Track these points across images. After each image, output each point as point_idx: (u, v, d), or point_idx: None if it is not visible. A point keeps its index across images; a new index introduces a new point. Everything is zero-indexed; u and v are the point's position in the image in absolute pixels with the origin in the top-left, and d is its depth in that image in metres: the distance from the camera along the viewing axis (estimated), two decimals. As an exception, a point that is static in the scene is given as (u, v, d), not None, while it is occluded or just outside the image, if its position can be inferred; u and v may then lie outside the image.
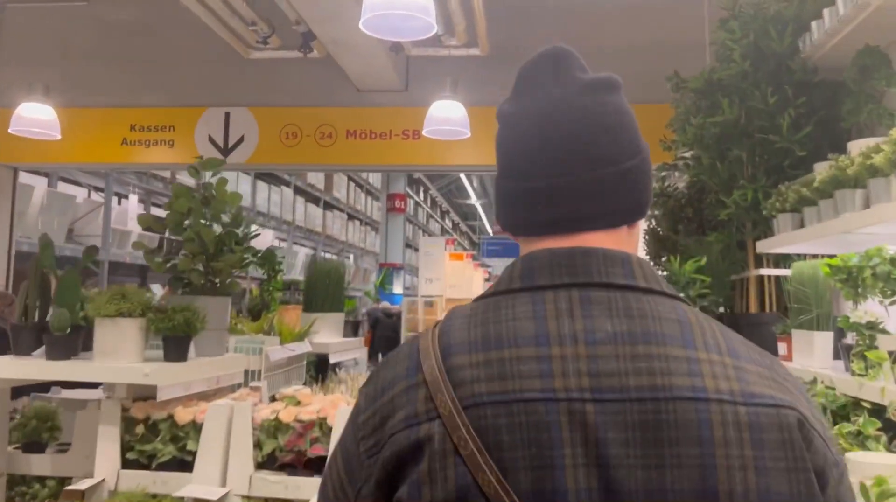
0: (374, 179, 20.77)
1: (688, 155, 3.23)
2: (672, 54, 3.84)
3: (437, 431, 0.63)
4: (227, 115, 5.88)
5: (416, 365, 0.68)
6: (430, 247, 13.06)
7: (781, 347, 2.53)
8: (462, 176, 23.36)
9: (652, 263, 1.49)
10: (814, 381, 2.14)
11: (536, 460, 0.60)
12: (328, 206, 17.01)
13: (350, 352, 4.15)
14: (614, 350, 0.65)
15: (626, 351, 0.64)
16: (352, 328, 4.50)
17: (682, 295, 1.01)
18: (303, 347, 3.53)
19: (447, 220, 30.90)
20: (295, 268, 15.53)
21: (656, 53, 4.30)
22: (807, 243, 2.37)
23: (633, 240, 0.78)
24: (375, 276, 22.43)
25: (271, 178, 13.76)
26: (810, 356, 2.30)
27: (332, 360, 3.85)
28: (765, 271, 2.95)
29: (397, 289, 20.08)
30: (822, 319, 2.29)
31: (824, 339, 2.27)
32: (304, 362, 3.82)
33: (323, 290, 3.75)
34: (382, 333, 16.46)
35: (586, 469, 0.60)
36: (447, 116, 4.78)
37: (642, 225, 0.95)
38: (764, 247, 2.64)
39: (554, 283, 0.70)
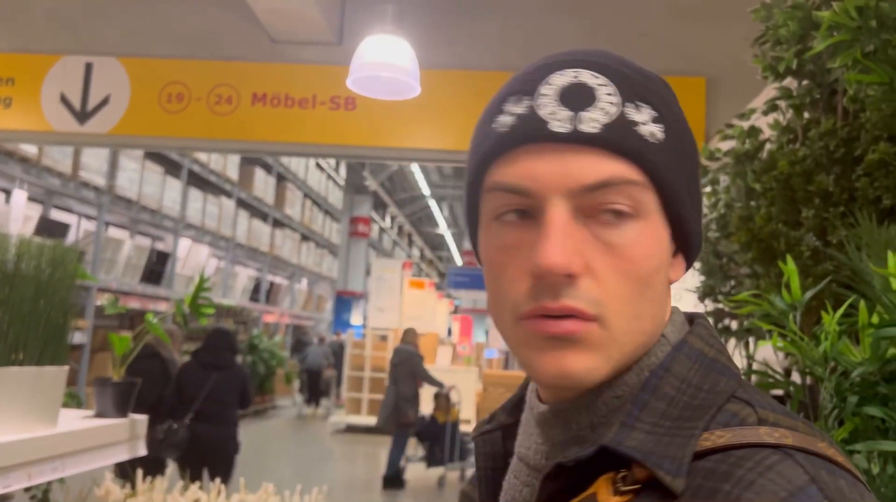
0: (335, 199, 19.09)
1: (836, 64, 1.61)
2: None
3: None
4: (89, 66, 4.21)
5: None
6: (383, 270, 11.40)
7: None
8: (432, 202, 21.80)
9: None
10: None
11: None
12: (278, 224, 15.27)
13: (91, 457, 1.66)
14: None
15: None
16: (118, 394, 1.89)
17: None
18: None
19: (414, 248, 29.26)
20: (234, 291, 13.74)
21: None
22: None
23: None
24: (332, 304, 20.67)
25: (208, 186, 12.05)
26: None
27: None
28: None
29: (356, 320, 18.33)
30: None
31: None
32: None
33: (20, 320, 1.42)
34: (308, 365, 14.48)
35: None
36: (386, 60, 3.14)
37: None
38: None
39: None
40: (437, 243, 29.98)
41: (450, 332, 15.80)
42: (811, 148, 1.68)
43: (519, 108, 0.52)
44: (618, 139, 0.50)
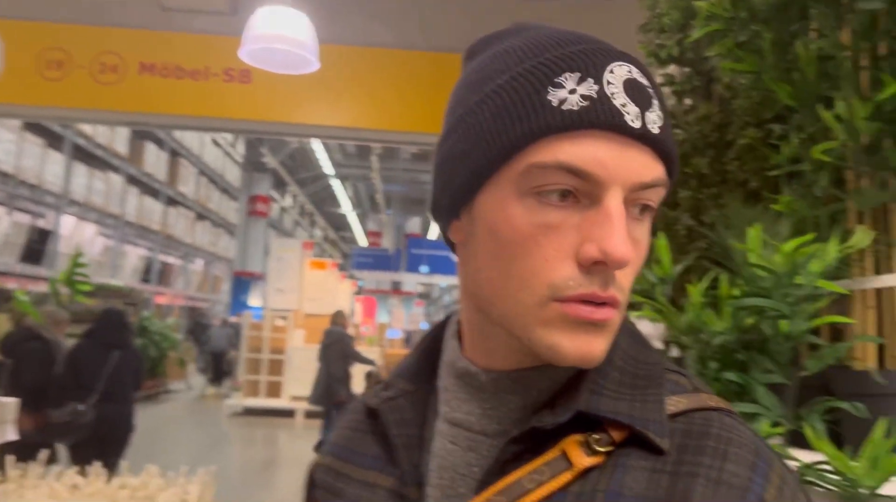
0: (233, 176, 18.49)
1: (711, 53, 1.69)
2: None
3: None
4: (-45, 26, 3.87)
5: None
6: (283, 251, 11.19)
7: None
8: (336, 182, 21.49)
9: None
10: None
11: None
12: (171, 202, 14.65)
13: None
14: None
15: None
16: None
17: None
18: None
19: (316, 229, 28.81)
20: (123, 272, 13.10)
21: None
22: None
23: (458, 276, 0.61)
24: (229, 285, 20.07)
25: (94, 161, 11.39)
26: None
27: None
28: None
29: (255, 301, 17.89)
30: None
31: None
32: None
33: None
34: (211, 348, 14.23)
35: None
36: (281, 32, 3.06)
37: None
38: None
39: None
40: (340, 223, 29.65)
41: (353, 313, 15.70)
42: (689, 132, 1.77)
43: (584, 90, 0.51)
44: (669, 144, 0.53)
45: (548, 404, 0.55)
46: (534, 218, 0.51)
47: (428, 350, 0.65)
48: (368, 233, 26.31)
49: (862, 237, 1.07)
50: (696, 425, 0.52)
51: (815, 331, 1.32)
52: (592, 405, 0.52)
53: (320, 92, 4.02)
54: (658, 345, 1.18)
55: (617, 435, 0.52)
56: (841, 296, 1.40)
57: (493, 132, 0.52)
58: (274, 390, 10.99)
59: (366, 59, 4.05)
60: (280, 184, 21.82)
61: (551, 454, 0.52)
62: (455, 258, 0.62)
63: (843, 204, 1.39)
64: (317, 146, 17.35)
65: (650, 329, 1.45)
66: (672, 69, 2.12)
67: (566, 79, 0.51)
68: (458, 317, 0.64)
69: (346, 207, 24.71)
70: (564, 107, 0.50)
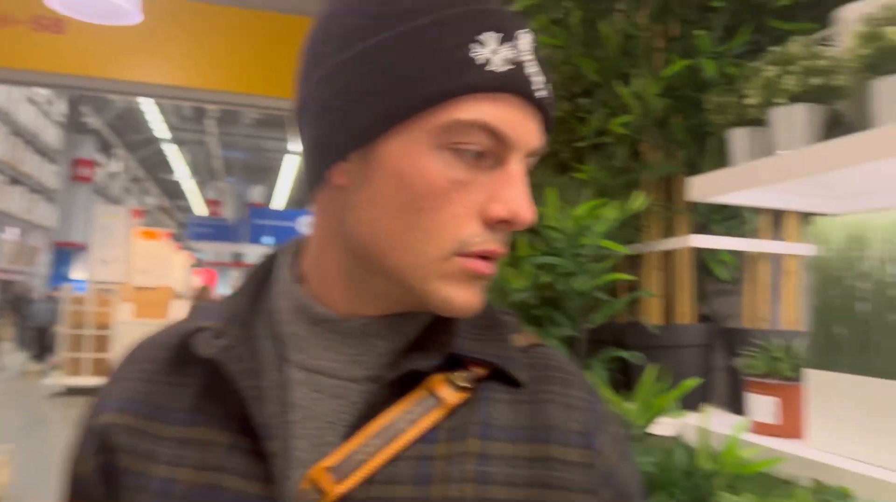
0: (51, 137, 16.90)
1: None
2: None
3: None
4: None
5: None
6: (108, 218, 10.43)
7: (763, 408, 1.19)
8: (170, 147, 20.23)
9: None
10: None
11: None
12: (-24, 163, 13.19)
13: None
14: None
15: None
16: None
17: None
18: None
19: (149, 196, 27.09)
20: (-82, 241, 11.62)
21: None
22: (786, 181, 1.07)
23: (322, 220, 0.59)
24: (49, 257, 18.42)
25: None
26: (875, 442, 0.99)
27: None
28: (703, 240, 1.50)
29: (78, 273, 16.57)
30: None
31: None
32: None
33: None
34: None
35: None
36: (98, -22, 2.82)
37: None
38: (707, 190, 1.30)
39: None
40: (176, 191, 28.03)
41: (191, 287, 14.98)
42: (509, 103, 1.85)
43: (506, 53, 0.52)
44: (553, 114, 0.56)
45: (415, 348, 0.57)
46: (449, 173, 0.52)
47: (254, 294, 0.62)
48: (207, 202, 25.11)
49: (639, 202, 1.18)
50: (538, 358, 0.60)
51: (611, 290, 1.43)
52: (460, 347, 0.56)
53: (147, 47, 3.76)
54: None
55: (479, 372, 0.56)
56: (638, 257, 1.54)
57: (415, 78, 0.51)
58: (100, 368, 10.28)
59: (200, 16, 3.84)
60: (107, 148, 20.23)
61: (419, 394, 0.55)
62: (314, 208, 0.59)
63: (637, 174, 1.51)
64: (149, 107, 16.22)
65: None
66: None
67: (488, 38, 0.52)
68: (289, 259, 0.62)
69: (183, 174, 23.40)
70: (489, 67, 0.51)
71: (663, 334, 1.39)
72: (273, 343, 0.59)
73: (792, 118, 1.12)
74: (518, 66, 0.52)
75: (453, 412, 0.55)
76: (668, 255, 1.51)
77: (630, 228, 1.50)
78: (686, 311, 1.45)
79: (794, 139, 1.13)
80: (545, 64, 0.56)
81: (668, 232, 1.50)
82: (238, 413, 0.55)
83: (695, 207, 1.47)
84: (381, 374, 0.56)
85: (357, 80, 0.52)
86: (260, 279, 0.63)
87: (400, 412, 0.54)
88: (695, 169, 1.45)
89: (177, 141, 20.01)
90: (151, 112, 16.71)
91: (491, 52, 0.52)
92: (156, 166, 24.39)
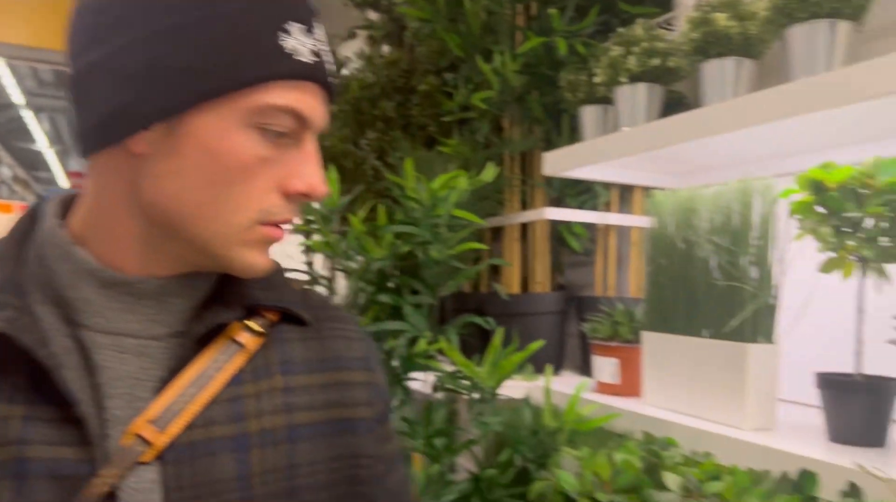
0: None
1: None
2: None
3: None
4: None
5: None
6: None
7: (606, 369, 1.27)
8: (27, 113, 18.61)
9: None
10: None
11: None
12: None
13: None
14: None
15: None
16: None
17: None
18: None
19: (2, 167, 24.97)
20: None
21: None
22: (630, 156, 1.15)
23: (107, 183, 0.60)
24: None
25: None
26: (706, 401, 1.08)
27: None
28: (557, 213, 1.55)
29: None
30: (758, 314, 1.04)
31: (764, 358, 1.03)
32: None
33: None
34: None
35: None
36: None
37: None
38: (559, 164, 1.35)
39: None
40: (34, 161, 25.98)
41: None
42: (379, 76, 1.84)
43: (310, 44, 0.58)
44: (334, 98, 0.63)
45: (214, 302, 0.62)
46: (256, 150, 0.56)
47: (18, 258, 0.60)
48: (70, 174, 23.47)
49: (489, 174, 1.22)
50: (312, 300, 0.69)
51: (475, 261, 1.48)
52: (254, 297, 0.63)
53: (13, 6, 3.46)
54: (326, 272, 1.25)
55: (271, 317, 0.63)
56: (502, 229, 1.59)
57: (229, 60, 0.54)
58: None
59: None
60: (-47, 112, 18.41)
61: (222, 343, 0.60)
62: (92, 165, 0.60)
63: (499, 148, 1.56)
64: (2, 71, 14.87)
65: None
66: (371, 14, 2.19)
67: (294, 28, 0.57)
68: (54, 220, 0.61)
69: (42, 143, 21.71)
70: (297, 57, 0.57)
71: (521, 302, 1.45)
72: (56, 309, 0.58)
73: (634, 97, 1.19)
74: (319, 57, 0.59)
75: (254, 355, 0.61)
76: (526, 228, 1.57)
77: (492, 201, 1.55)
78: (542, 281, 1.52)
79: (636, 117, 1.20)
80: (333, 52, 0.64)
81: (528, 205, 1.56)
82: (29, 384, 0.54)
83: (551, 182, 1.54)
84: (181, 330, 0.61)
85: (170, 54, 0.54)
86: (20, 241, 0.62)
87: (207, 361, 0.59)
88: (552, 145, 1.52)
89: (34, 107, 18.49)
90: (5, 75, 15.34)
91: (297, 42, 0.57)
92: (11, 134, 22.48)
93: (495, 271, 1.69)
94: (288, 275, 0.70)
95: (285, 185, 0.58)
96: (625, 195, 1.53)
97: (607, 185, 1.52)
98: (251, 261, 0.59)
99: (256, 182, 0.57)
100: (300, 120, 0.58)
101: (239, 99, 0.55)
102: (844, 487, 0.77)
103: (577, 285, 1.66)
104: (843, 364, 0.95)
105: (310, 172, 0.59)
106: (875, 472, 0.73)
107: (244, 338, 0.61)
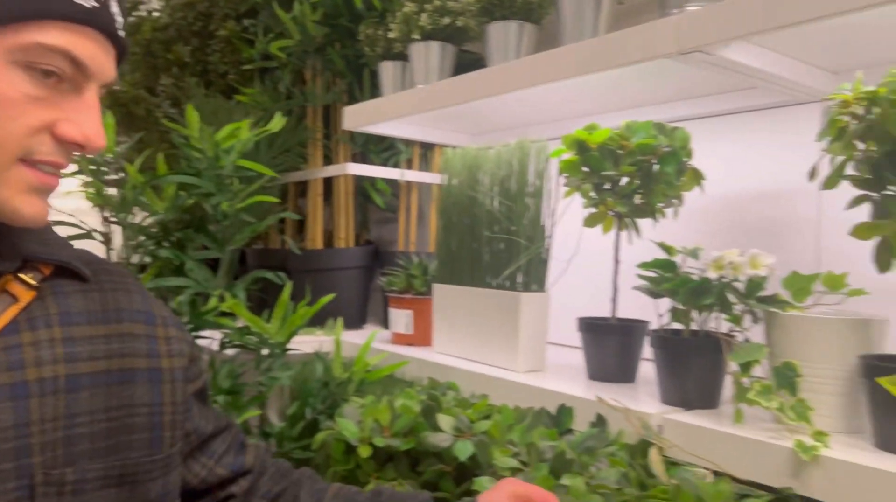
0: None
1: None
2: None
3: None
4: None
5: None
6: None
7: (401, 320, 1.30)
8: None
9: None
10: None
11: None
12: None
13: None
14: None
15: None
16: None
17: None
18: None
19: None
20: None
21: None
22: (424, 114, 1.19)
23: None
24: None
25: None
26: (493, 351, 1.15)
27: None
28: (359, 168, 1.53)
29: None
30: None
31: (535, 306, 1.10)
32: None
33: None
34: None
35: None
36: None
37: None
38: (358, 119, 1.34)
39: None
40: None
41: None
42: (173, 18, 1.72)
43: None
44: (126, 54, 0.62)
45: None
46: (23, 88, 0.54)
47: None
48: None
49: (276, 123, 1.20)
50: (89, 257, 0.69)
51: (269, 215, 1.45)
52: (34, 251, 0.62)
53: None
54: (98, 225, 1.17)
55: (45, 271, 0.63)
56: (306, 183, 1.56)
57: None
58: None
59: None
60: None
61: None
62: None
63: (301, 100, 1.53)
64: None
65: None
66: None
67: None
68: None
69: None
70: (78, 0, 0.55)
71: (324, 257, 1.45)
72: None
73: (428, 54, 1.21)
74: (104, 4, 0.58)
75: (28, 307, 0.61)
76: (331, 183, 1.56)
77: (293, 155, 1.52)
78: (346, 236, 1.52)
79: (430, 74, 1.22)
80: (125, 6, 0.62)
81: (332, 161, 1.55)
82: None
83: (354, 137, 1.53)
84: None
85: None
86: None
87: None
88: (354, 100, 1.51)
89: None
90: None
91: None
92: None
93: (301, 227, 1.66)
94: (56, 228, 0.69)
95: (58, 129, 0.57)
96: (426, 153, 1.56)
97: (409, 143, 1.54)
98: (18, 206, 0.57)
99: (22, 119, 0.55)
100: (77, 65, 0.56)
101: (8, 34, 0.54)
102: (593, 419, 0.86)
103: (384, 241, 1.69)
104: (604, 310, 1.05)
105: (87, 122, 0.58)
106: (612, 403, 0.81)
107: (16, 289, 0.61)
